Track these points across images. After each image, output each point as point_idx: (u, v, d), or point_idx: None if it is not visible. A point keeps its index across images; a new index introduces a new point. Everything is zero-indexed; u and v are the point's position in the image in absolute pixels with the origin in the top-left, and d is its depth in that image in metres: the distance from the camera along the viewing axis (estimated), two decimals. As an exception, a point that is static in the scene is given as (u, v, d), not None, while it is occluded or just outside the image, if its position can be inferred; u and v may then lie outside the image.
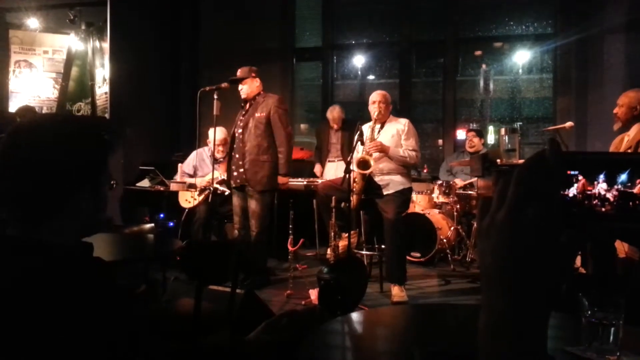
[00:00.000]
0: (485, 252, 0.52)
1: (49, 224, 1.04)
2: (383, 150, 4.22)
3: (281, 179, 4.62)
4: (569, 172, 0.52)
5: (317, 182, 5.70)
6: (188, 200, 5.39)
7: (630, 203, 0.52)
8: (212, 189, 4.79)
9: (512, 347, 0.50)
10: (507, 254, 0.51)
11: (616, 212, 0.52)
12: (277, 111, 4.59)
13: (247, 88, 4.67)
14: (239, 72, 4.70)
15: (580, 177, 0.52)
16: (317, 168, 6.48)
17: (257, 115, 4.60)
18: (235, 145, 4.72)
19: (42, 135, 1.06)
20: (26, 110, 5.70)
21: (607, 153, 0.54)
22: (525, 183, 0.50)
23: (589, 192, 0.52)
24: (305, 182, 5.70)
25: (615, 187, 0.52)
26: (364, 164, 4.20)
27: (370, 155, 4.20)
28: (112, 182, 1.23)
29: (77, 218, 1.07)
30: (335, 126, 6.33)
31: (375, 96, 4.41)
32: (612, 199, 0.52)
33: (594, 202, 0.52)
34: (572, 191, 0.52)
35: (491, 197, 0.53)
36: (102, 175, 1.12)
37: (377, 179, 4.29)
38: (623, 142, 3.85)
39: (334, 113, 6.30)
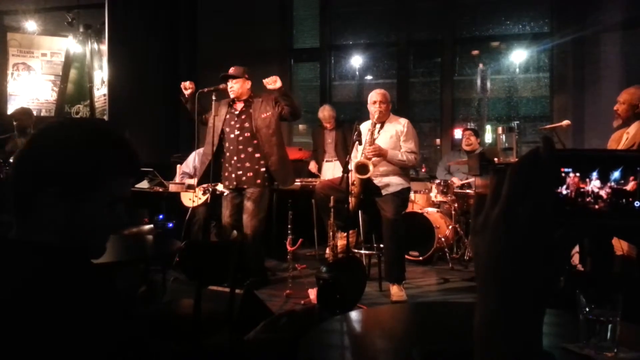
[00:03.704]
0: (480, 250, 0.53)
1: (25, 223, 1.05)
2: (381, 154, 4.21)
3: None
4: (562, 169, 0.53)
5: (314, 182, 5.71)
6: (191, 199, 5.38)
7: (624, 200, 0.53)
8: (211, 190, 4.78)
9: (506, 344, 0.50)
10: (501, 251, 0.51)
11: (610, 210, 0.53)
12: (279, 103, 4.57)
13: (239, 87, 4.60)
14: (232, 70, 4.66)
15: (571, 174, 0.52)
16: (311, 165, 6.50)
17: (263, 116, 4.55)
18: (232, 147, 4.65)
19: (40, 138, 1.07)
20: (23, 113, 5.69)
21: (601, 150, 0.55)
22: (519, 180, 0.51)
23: (582, 190, 0.53)
24: (300, 183, 5.70)
25: (609, 184, 0.53)
26: (363, 168, 4.18)
27: (369, 159, 4.19)
28: (119, 202, 1.13)
29: (48, 224, 1.04)
30: (328, 126, 6.34)
31: (375, 96, 4.36)
32: (605, 197, 0.53)
33: (588, 200, 0.53)
34: (566, 189, 0.53)
35: (486, 195, 0.54)
36: (90, 184, 1.06)
37: (375, 180, 4.28)
38: (622, 139, 3.83)
39: (324, 112, 6.31)
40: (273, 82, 4.39)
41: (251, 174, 4.57)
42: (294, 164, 6.43)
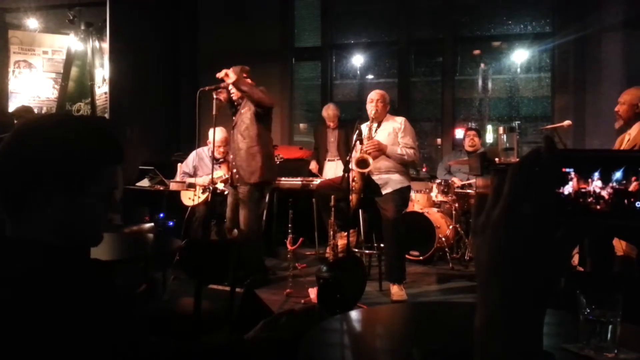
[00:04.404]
0: (481, 250, 0.53)
1: (23, 221, 1.02)
2: (380, 149, 4.23)
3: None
4: (564, 169, 0.52)
5: (314, 181, 5.71)
6: (191, 198, 5.39)
7: (625, 201, 0.52)
8: (211, 188, 4.80)
9: (507, 344, 0.50)
10: (502, 251, 0.51)
11: (611, 210, 0.52)
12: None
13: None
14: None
15: (573, 174, 0.52)
16: (312, 165, 6.51)
17: (243, 111, 4.63)
18: (231, 145, 4.79)
19: (31, 133, 1.04)
20: (24, 111, 5.70)
21: (602, 150, 0.55)
22: (520, 180, 0.51)
23: (583, 190, 0.52)
24: (301, 182, 5.69)
25: (610, 184, 0.52)
26: (362, 162, 4.20)
27: (369, 154, 4.21)
28: (113, 190, 1.15)
29: (50, 217, 1.02)
30: (331, 124, 6.35)
31: (373, 95, 4.43)
32: (607, 197, 0.52)
33: (589, 200, 0.52)
34: (567, 189, 0.52)
35: (487, 195, 0.53)
36: (90, 179, 1.05)
37: (375, 177, 4.30)
38: (624, 142, 3.83)
39: (328, 111, 6.32)
40: (225, 76, 4.35)
41: (242, 168, 4.62)
42: (295, 163, 6.45)
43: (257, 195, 4.62)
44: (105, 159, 1.09)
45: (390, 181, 4.29)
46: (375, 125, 4.40)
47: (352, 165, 4.19)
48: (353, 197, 4.27)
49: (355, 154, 4.32)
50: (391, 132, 4.37)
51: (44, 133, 1.05)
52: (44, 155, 1.02)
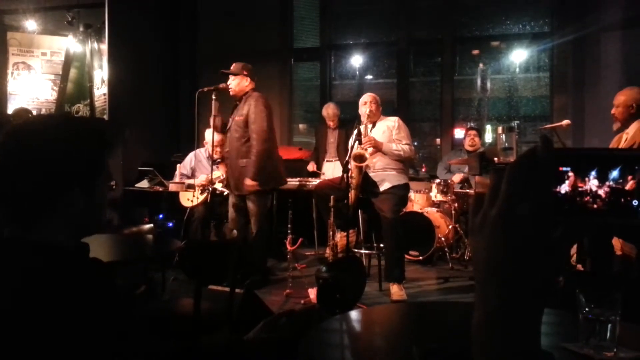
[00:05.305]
0: (478, 249, 0.53)
1: (39, 224, 1.02)
2: (376, 145, 4.26)
3: (248, 182, 4.36)
4: (560, 168, 0.53)
5: (312, 181, 5.71)
6: (190, 199, 5.39)
7: (622, 199, 0.53)
8: (210, 189, 4.79)
9: (504, 342, 0.50)
10: (499, 251, 0.51)
11: (608, 209, 0.53)
12: (254, 109, 4.41)
13: (236, 85, 4.52)
14: (232, 67, 4.62)
15: (570, 174, 0.53)
16: (310, 165, 6.49)
17: (237, 119, 4.52)
18: (230, 148, 4.67)
19: (36, 135, 1.05)
20: (22, 112, 5.70)
21: (599, 149, 0.55)
22: (517, 180, 0.51)
23: (580, 189, 0.53)
24: (298, 182, 5.69)
25: (607, 183, 0.53)
26: (359, 157, 4.24)
27: (365, 150, 4.24)
28: (111, 184, 1.19)
29: (69, 218, 1.05)
30: (331, 124, 6.32)
31: (366, 97, 4.51)
32: (604, 196, 0.53)
33: (586, 199, 0.53)
34: (564, 188, 0.53)
35: (484, 194, 0.54)
36: (98, 177, 1.09)
37: (372, 174, 4.33)
38: (621, 141, 3.85)
39: (328, 110, 6.29)
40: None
41: (233, 178, 4.59)
42: (294, 164, 6.45)
43: (264, 198, 4.58)
44: (104, 155, 1.12)
45: (387, 178, 4.31)
46: (370, 126, 4.46)
47: (350, 166, 4.20)
48: (352, 194, 4.28)
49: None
50: (386, 131, 4.41)
51: (43, 134, 1.05)
52: (43, 155, 1.02)
